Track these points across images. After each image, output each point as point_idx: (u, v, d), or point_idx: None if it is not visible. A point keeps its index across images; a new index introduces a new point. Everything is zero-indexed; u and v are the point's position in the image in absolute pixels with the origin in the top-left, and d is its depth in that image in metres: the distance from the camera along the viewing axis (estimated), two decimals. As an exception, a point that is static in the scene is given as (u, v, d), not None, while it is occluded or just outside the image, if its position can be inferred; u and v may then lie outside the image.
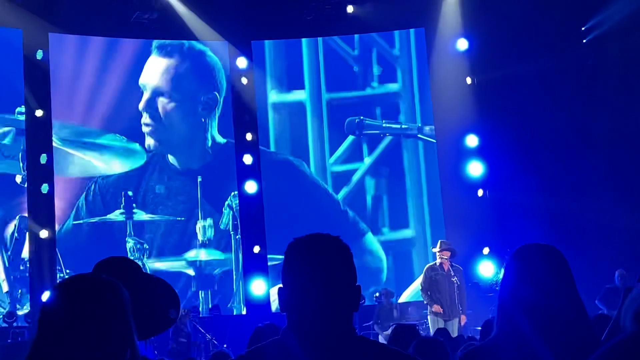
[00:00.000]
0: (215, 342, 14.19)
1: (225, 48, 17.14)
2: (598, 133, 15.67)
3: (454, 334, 11.22)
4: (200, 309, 15.98)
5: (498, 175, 16.31)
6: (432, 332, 11.44)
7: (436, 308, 12.47)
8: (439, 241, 13.15)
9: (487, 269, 15.66)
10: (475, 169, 16.52)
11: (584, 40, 16.19)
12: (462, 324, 12.52)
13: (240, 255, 16.69)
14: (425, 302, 12.97)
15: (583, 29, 16.20)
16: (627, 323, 1.59)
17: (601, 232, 15.12)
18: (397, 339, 5.75)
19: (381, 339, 13.86)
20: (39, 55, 15.61)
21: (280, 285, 2.50)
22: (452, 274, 12.76)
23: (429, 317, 12.71)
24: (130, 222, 16.20)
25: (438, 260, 12.83)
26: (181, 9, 16.24)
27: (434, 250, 13.05)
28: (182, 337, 13.92)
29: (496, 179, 16.34)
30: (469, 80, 16.61)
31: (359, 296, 2.49)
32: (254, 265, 16.44)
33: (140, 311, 2.61)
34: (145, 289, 2.86)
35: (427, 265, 13.03)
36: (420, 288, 12.83)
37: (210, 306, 16.24)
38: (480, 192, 16.42)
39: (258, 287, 16.23)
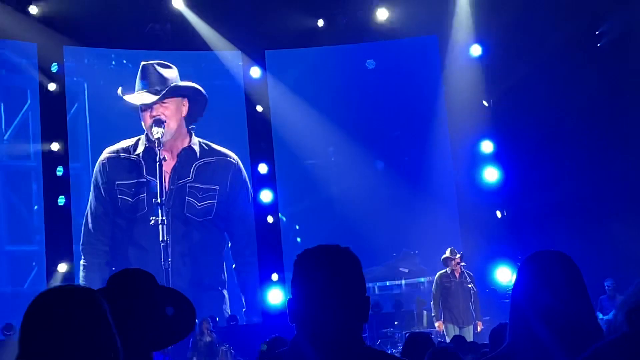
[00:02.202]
0: (232, 352, 14.20)
1: (238, 58, 17.18)
2: (615, 137, 15.60)
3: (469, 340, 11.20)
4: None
5: (514, 181, 16.24)
6: (448, 339, 11.42)
7: (439, 325, 12.46)
8: (450, 249, 13.08)
9: (504, 275, 15.59)
10: (491, 175, 16.46)
11: (598, 45, 16.14)
12: (479, 330, 12.47)
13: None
14: (432, 315, 12.95)
15: (597, 32, 16.14)
16: (619, 323, 1.59)
17: (618, 237, 15.02)
18: (411, 346, 5.73)
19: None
20: (54, 68, 15.70)
21: (290, 297, 2.50)
22: (469, 280, 12.74)
23: (442, 324, 12.64)
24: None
25: (449, 268, 12.79)
26: (194, 20, 16.30)
27: (446, 257, 12.97)
28: (202, 347, 13.96)
29: (512, 185, 16.27)
30: (482, 89, 16.57)
31: (368, 307, 2.48)
32: (270, 274, 16.43)
33: (156, 322, 2.63)
34: (161, 299, 2.87)
35: (438, 274, 12.97)
36: (432, 296, 12.81)
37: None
38: (498, 214, 16.31)
39: (275, 296, 16.22)
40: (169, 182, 16.56)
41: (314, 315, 2.43)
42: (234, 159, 17.07)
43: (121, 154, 16.55)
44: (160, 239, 16.14)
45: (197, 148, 16.85)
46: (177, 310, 2.88)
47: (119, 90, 16.39)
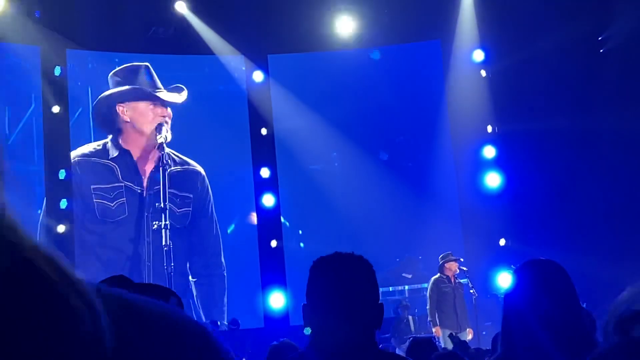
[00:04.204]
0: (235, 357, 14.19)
1: (241, 62, 17.20)
2: (619, 143, 15.59)
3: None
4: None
5: (516, 186, 16.24)
6: (443, 344, 11.38)
7: (436, 331, 12.42)
8: (449, 253, 13.06)
9: (506, 281, 15.56)
10: (493, 180, 16.47)
11: (601, 50, 16.14)
12: (470, 337, 12.44)
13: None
14: (429, 319, 12.88)
15: (600, 38, 16.14)
16: (609, 332, 1.59)
17: (620, 243, 15.02)
18: (415, 352, 5.73)
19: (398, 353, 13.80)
20: (57, 71, 15.72)
21: (305, 302, 2.54)
22: (471, 285, 12.76)
23: (440, 329, 12.59)
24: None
25: (447, 272, 12.78)
26: (197, 24, 16.32)
27: (447, 260, 12.92)
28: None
29: (514, 190, 16.27)
30: (484, 88, 16.58)
31: (381, 314, 2.53)
32: (272, 278, 16.43)
33: None
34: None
35: (435, 278, 12.93)
36: (429, 301, 12.73)
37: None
38: (502, 242, 16.23)
39: (276, 300, 16.22)
40: (147, 187, 16.53)
41: (328, 321, 2.46)
42: (200, 170, 17.08)
43: (92, 158, 16.40)
44: (163, 243, 16.15)
45: (168, 156, 16.82)
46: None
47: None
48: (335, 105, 17.44)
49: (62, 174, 15.57)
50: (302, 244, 17.84)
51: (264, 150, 17.03)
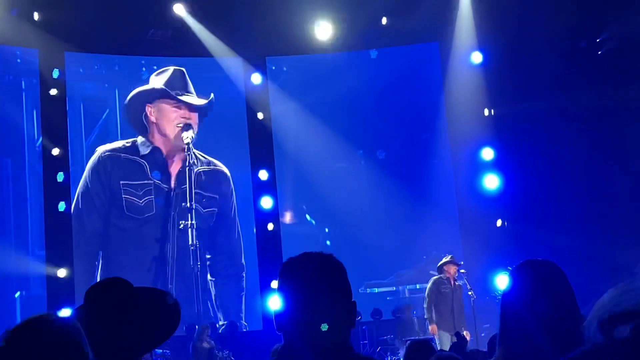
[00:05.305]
0: (233, 359, 14.18)
1: (239, 64, 17.19)
2: (617, 145, 15.60)
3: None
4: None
5: (514, 188, 16.23)
6: (440, 346, 11.38)
7: (432, 329, 12.42)
8: (449, 256, 13.07)
9: (505, 283, 15.50)
10: (491, 182, 16.45)
11: (599, 52, 16.14)
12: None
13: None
14: (425, 317, 12.89)
15: (598, 40, 16.15)
16: (592, 333, 1.59)
17: (618, 243, 15.02)
18: (413, 354, 5.72)
19: (401, 353, 13.82)
20: (55, 74, 15.71)
21: (277, 305, 2.50)
22: (469, 287, 12.76)
23: (436, 328, 12.58)
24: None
25: (446, 274, 12.78)
26: (195, 26, 16.31)
27: (446, 263, 12.92)
28: (201, 354, 13.95)
29: (512, 192, 16.26)
30: (483, 97, 16.59)
31: (354, 312, 2.49)
32: (270, 281, 16.42)
33: (141, 326, 2.63)
34: (141, 305, 2.87)
35: (435, 278, 12.94)
36: (427, 300, 12.73)
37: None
38: (499, 223, 16.25)
39: (275, 302, 16.16)
40: (174, 185, 16.64)
41: (301, 322, 2.42)
42: (226, 171, 17.18)
43: (122, 155, 16.58)
44: (190, 242, 16.26)
45: (194, 156, 16.93)
46: (162, 308, 2.88)
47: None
48: (334, 107, 17.43)
49: (60, 177, 15.55)
50: (328, 242, 17.85)
51: (262, 152, 17.02)
